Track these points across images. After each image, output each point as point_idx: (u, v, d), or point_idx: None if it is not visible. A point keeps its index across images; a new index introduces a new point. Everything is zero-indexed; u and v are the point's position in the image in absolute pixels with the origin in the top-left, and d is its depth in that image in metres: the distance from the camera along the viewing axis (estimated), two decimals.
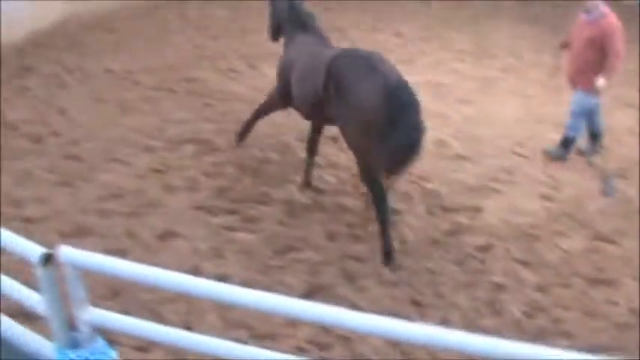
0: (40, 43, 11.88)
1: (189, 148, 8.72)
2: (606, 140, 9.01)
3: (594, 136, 8.93)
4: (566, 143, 8.91)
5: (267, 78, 10.69)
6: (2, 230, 4.15)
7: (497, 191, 8.16)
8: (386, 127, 6.37)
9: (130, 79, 10.80)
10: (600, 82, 8.24)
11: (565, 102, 9.42)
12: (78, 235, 6.86)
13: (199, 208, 7.51)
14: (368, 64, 6.67)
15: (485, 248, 7.11)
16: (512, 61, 12.04)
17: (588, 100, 8.56)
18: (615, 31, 8.32)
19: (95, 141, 8.86)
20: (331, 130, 7.85)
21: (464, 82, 11.06)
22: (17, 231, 4.41)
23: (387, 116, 6.37)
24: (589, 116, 8.71)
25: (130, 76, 10.93)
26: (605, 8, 8.41)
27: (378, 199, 6.73)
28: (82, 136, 8.95)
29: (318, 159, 8.24)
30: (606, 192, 8.31)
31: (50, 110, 9.68)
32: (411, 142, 6.42)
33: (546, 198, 8.09)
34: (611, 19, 8.36)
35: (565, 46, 8.96)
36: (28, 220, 7.07)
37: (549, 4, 15.10)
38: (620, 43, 8.29)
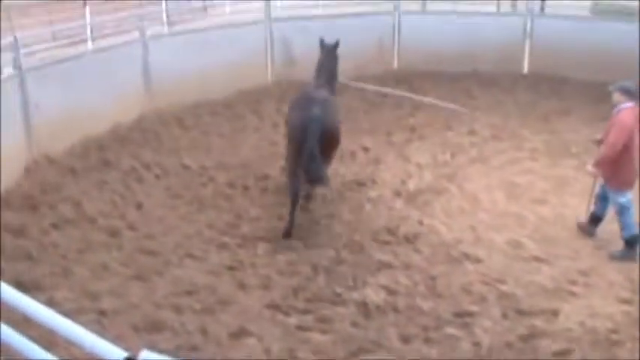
0: (120, 137, 12.24)
1: (263, 246, 8.76)
2: None
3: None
4: (629, 243, 8.70)
5: (341, 177, 10.82)
6: (85, 332, 4.14)
7: (574, 294, 7.90)
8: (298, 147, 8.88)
9: (206, 175, 11.01)
10: (588, 168, 8.95)
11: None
12: (151, 330, 6.91)
13: (272, 306, 7.48)
14: (301, 103, 9.53)
15: (562, 353, 6.85)
16: (586, 160, 11.85)
17: (618, 198, 8.60)
18: (620, 123, 8.44)
19: (170, 236, 9.00)
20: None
21: (538, 181, 10.92)
22: (92, 323, 4.48)
23: (298, 139, 8.88)
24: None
25: (205, 172, 11.14)
26: (629, 103, 8.50)
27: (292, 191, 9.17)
28: (158, 231, 9.11)
29: (392, 259, 8.27)
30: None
31: (127, 204, 9.90)
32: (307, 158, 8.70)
33: (625, 301, 7.78)
34: (626, 112, 8.48)
35: (599, 143, 8.99)
36: (103, 313, 7.16)
37: None
38: (618, 134, 8.41)
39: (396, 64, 16.98)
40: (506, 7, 22.89)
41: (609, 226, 9.13)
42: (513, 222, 9.56)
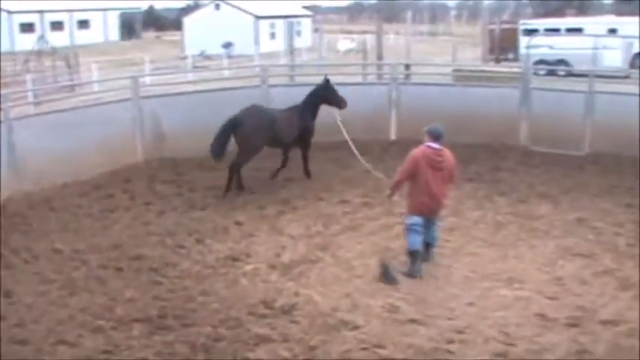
0: None
1: (139, 327, 8.59)
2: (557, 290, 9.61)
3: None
4: (411, 255, 10.25)
5: (216, 253, 10.82)
6: None
7: (451, 353, 8.13)
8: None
9: (77, 258, 10.74)
10: (387, 192, 11.08)
11: (512, 257, 10.50)
12: None
13: None
14: (248, 111, 13.87)
15: None
16: (455, 220, 12.31)
17: (407, 220, 10.44)
18: (410, 155, 10.27)
19: (42, 323, 8.71)
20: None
21: None
22: None
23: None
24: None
25: (76, 255, 10.87)
26: (430, 142, 10.18)
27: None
28: (29, 318, 8.80)
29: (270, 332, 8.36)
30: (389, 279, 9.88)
31: None
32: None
33: (500, 355, 8.09)
34: (419, 148, 10.22)
35: None
36: None
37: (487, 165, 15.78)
38: (405, 164, 10.26)
39: None
40: (372, 77, 23.77)
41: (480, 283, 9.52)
42: (388, 286, 9.76)
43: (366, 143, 16.19)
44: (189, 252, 11.03)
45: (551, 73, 33.91)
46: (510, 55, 47.05)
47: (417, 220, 10.22)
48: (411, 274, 10.05)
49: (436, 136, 10.15)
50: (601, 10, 76.82)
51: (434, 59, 40.52)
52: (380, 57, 30.46)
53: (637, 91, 16.63)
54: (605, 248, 11.11)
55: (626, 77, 25.78)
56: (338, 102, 15.06)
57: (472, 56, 45.40)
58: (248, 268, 10.38)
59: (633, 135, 16.07)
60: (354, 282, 9.93)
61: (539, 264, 10.56)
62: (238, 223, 12.17)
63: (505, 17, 74.03)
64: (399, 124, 17.54)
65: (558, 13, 69.49)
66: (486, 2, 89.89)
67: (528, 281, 9.95)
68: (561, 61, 36.36)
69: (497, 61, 45.11)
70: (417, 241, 10.20)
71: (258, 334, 8.43)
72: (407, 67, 23.28)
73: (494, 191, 13.99)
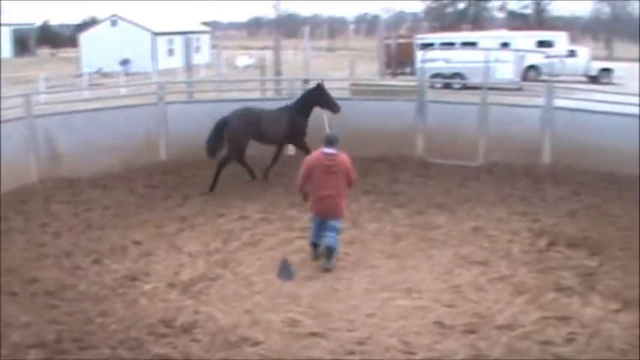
0: None
1: (35, 353, 8.37)
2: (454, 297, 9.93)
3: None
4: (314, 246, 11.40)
5: (114, 273, 10.67)
6: None
7: None
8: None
9: None
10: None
11: (410, 267, 10.84)
12: None
13: None
14: (236, 112, 15.36)
15: None
16: (354, 232, 12.49)
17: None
18: (305, 160, 11.32)
19: None
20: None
21: (310, 259, 11.36)
22: None
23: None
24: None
25: None
26: (324, 148, 10.92)
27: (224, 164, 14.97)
28: None
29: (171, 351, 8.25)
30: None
31: None
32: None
33: None
34: (314, 154, 11.12)
35: None
36: None
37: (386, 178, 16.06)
38: (302, 168, 11.07)
39: (165, 155, 17.13)
40: (271, 92, 23.85)
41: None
42: (288, 301, 9.84)
43: (263, 159, 16.31)
44: (87, 273, 10.83)
45: (447, 86, 34.95)
46: (407, 69, 48.00)
47: (317, 219, 11.11)
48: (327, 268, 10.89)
49: (329, 142, 10.90)
50: (495, 25, 79.09)
51: (332, 74, 40.95)
52: (278, 72, 30.56)
53: (529, 103, 17.29)
54: (499, 256, 11.50)
55: (519, 89, 26.68)
56: (331, 105, 16.03)
57: (369, 70, 46.03)
58: (147, 287, 10.28)
59: (526, 145, 16.67)
60: (254, 298, 9.97)
61: (436, 273, 10.85)
62: (136, 242, 12.03)
63: (402, 32, 75.35)
64: None
65: (454, 27, 71.28)
66: (383, 17, 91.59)
67: (426, 290, 10.21)
68: (457, 75, 37.38)
69: (394, 75, 45.90)
70: (318, 235, 11.18)
71: (159, 353, 8.37)
72: (305, 82, 23.48)
73: (393, 203, 14.26)
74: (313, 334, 8.94)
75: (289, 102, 16.67)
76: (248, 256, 11.47)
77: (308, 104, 16.10)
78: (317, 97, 16.05)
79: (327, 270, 10.82)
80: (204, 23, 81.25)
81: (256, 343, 8.67)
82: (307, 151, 14.81)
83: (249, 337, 8.80)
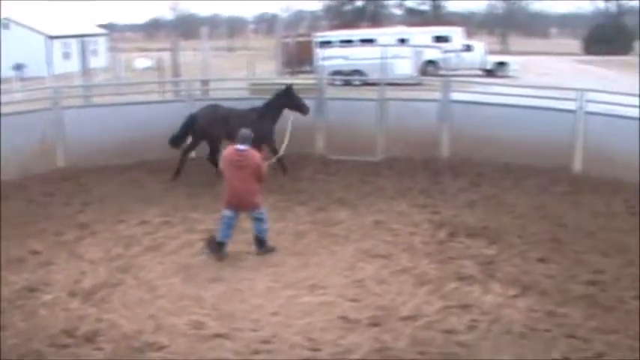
0: None
1: None
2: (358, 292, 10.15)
3: None
4: (212, 245, 11.57)
5: (11, 285, 10.40)
6: None
7: None
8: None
9: None
10: None
11: (314, 264, 11.03)
12: None
13: None
14: (204, 109, 16.04)
15: None
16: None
17: (222, 212, 11.57)
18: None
19: None
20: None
21: (212, 261, 11.33)
22: None
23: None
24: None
25: None
26: (238, 145, 11.26)
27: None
28: None
29: None
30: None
31: None
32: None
33: None
34: (228, 149, 11.62)
35: None
36: None
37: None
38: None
39: (63, 162, 16.77)
40: (170, 94, 23.67)
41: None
42: (192, 303, 9.84)
43: (164, 162, 16.27)
44: None
45: (347, 83, 35.30)
46: (307, 67, 48.24)
47: (227, 213, 11.41)
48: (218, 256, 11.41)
49: (241, 139, 11.33)
50: (393, 22, 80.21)
51: (231, 74, 40.79)
52: (177, 74, 30.31)
53: (427, 97, 17.65)
54: (401, 248, 11.77)
55: (418, 84, 27.19)
56: (300, 107, 16.38)
57: (269, 69, 46.07)
58: (47, 297, 10.06)
59: (424, 139, 17.03)
60: (157, 302, 9.91)
61: (340, 268, 11.02)
62: (35, 252, 11.73)
63: (301, 30, 75.66)
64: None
65: (353, 25, 71.92)
66: (283, 16, 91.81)
67: (330, 286, 10.37)
68: (356, 71, 37.74)
69: (293, 73, 46.06)
70: (226, 234, 11.47)
71: None
72: (204, 82, 23.37)
73: (295, 201, 14.39)
74: (218, 336, 8.97)
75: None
76: (150, 261, 11.38)
77: (277, 107, 16.34)
78: (286, 99, 16.34)
79: (263, 253, 11.59)
80: (101, 25, 79.69)
81: (161, 348, 8.65)
82: (275, 152, 15.11)
83: (153, 342, 8.76)
